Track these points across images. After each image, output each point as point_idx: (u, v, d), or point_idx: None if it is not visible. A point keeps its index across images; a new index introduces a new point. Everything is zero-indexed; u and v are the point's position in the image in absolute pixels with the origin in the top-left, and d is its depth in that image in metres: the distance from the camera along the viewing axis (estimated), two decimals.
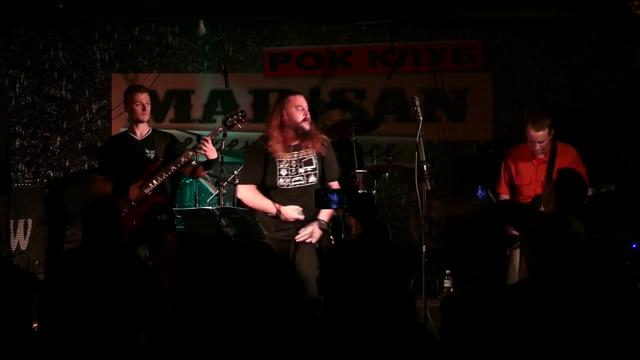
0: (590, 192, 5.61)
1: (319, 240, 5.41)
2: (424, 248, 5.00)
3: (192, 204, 7.46)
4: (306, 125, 5.32)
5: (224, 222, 5.67)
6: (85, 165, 7.98)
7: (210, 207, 5.82)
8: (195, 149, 5.79)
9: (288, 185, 5.34)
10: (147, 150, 5.91)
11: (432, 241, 7.38)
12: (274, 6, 7.53)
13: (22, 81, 7.99)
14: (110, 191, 5.81)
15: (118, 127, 7.66)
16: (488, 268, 6.83)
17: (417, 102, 5.21)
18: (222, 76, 7.74)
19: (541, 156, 5.88)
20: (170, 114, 8.07)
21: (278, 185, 5.34)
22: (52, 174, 7.95)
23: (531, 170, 5.92)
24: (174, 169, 5.78)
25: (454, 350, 2.58)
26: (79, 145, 8.03)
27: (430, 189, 5.02)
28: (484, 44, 7.93)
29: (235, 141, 7.94)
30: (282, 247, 5.28)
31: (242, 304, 2.68)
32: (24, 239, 7.00)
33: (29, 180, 7.33)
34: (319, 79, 7.99)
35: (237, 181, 6.38)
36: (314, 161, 5.38)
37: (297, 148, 5.36)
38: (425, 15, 7.64)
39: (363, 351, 2.59)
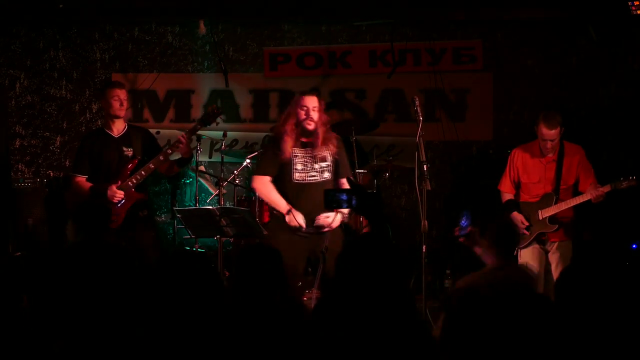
0: (608, 188, 5.62)
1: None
2: (424, 248, 5.00)
3: (192, 204, 7.47)
4: (307, 125, 5.33)
5: (224, 222, 5.68)
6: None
7: (210, 207, 5.83)
8: (173, 146, 5.78)
9: (304, 180, 5.37)
10: (124, 148, 5.86)
11: (432, 241, 7.38)
12: (274, 6, 7.54)
13: (22, 81, 7.99)
14: (88, 191, 5.77)
15: None
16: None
17: (417, 102, 5.22)
18: (222, 76, 7.74)
19: (550, 154, 5.87)
20: (171, 114, 8.07)
21: (294, 179, 5.36)
22: (52, 174, 7.95)
23: (540, 169, 5.92)
24: (152, 167, 5.75)
25: (455, 348, 2.58)
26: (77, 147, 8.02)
27: (430, 189, 5.02)
28: (484, 44, 7.93)
29: (235, 141, 7.94)
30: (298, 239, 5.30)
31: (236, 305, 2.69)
32: (24, 239, 7.00)
33: (29, 180, 7.32)
34: (319, 79, 7.99)
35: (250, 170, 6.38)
36: (329, 158, 5.41)
37: (311, 145, 5.39)
38: (425, 15, 7.65)
39: (363, 348, 2.59)
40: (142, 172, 5.74)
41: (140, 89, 7.95)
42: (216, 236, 5.91)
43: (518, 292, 3.22)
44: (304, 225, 5.31)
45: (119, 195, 5.67)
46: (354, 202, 4.00)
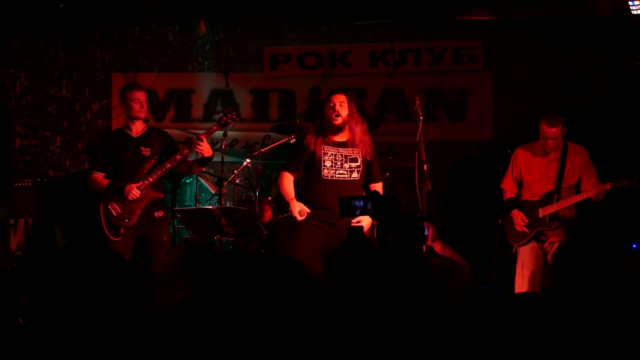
0: (608, 186, 5.62)
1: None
2: (424, 248, 5.00)
3: (192, 204, 7.47)
4: (335, 120, 5.41)
5: (224, 222, 5.69)
6: (85, 165, 7.98)
7: (211, 207, 5.84)
8: (191, 146, 5.83)
9: (332, 177, 5.38)
10: (142, 148, 5.92)
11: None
12: (274, 6, 7.53)
13: (22, 81, 7.99)
14: (106, 188, 5.82)
15: (118, 126, 7.65)
16: (493, 267, 6.83)
17: (417, 102, 5.22)
18: (223, 76, 7.74)
19: (552, 153, 5.88)
20: (171, 113, 8.07)
21: (322, 175, 5.39)
22: (52, 174, 7.95)
23: (542, 167, 5.92)
24: (169, 166, 5.81)
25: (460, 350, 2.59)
26: (79, 144, 8.03)
27: (430, 189, 5.02)
28: (484, 44, 7.93)
29: (235, 141, 7.94)
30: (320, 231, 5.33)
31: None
32: (24, 239, 7.00)
33: (29, 180, 7.32)
34: (319, 78, 7.99)
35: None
36: (359, 160, 5.44)
37: (343, 145, 5.43)
38: (425, 15, 7.64)
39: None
40: (159, 172, 5.81)
41: None
42: (216, 236, 5.92)
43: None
44: (301, 217, 5.32)
45: (135, 192, 5.74)
46: (369, 209, 3.94)
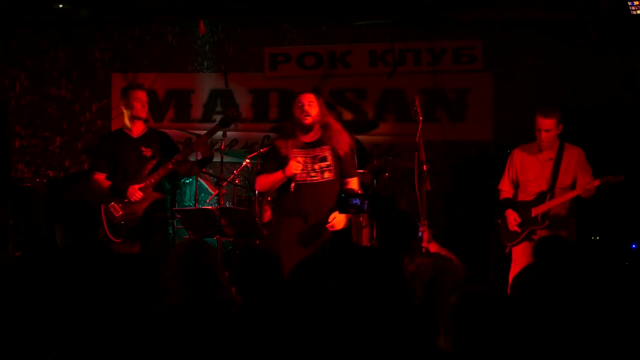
0: (597, 182, 5.58)
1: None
2: (424, 248, 5.00)
3: (192, 204, 7.47)
4: (304, 120, 5.31)
5: (223, 222, 5.68)
6: (85, 165, 7.98)
7: (210, 207, 5.84)
8: (192, 147, 5.81)
9: (304, 181, 5.33)
10: (143, 149, 5.90)
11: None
12: (274, 6, 7.53)
13: (22, 81, 7.99)
14: (108, 189, 5.81)
15: (118, 126, 7.64)
16: (491, 267, 6.83)
17: (417, 102, 5.21)
18: (222, 76, 7.75)
19: (547, 150, 5.84)
20: (170, 113, 8.07)
21: (294, 180, 5.34)
22: (52, 174, 7.95)
23: (537, 167, 5.91)
24: (170, 167, 5.79)
25: (458, 352, 2.58)
26: (79, 145, 8.03)
27: (430, 189, 5.02)
28: (484, 44, 7.93)
29: (235, 141, 7.94)
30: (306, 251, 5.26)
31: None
32: (24, 239, 7.01)
33: (29, 180, 7.33)
34: (319, 78, 7.99)
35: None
36: (329, 158, 5.35)
37: (311, 145, 5.35)
38: (425, 15, 7.64)
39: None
40: (160, 173, 5.80)
41: None
42: (216, 236, 5.91)
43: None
44: (298, 170, 5.27)
45: (138, 194, 5.73)
46: (365, 207, 3.93)
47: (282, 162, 5.32)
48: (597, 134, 7.63)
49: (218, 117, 7.97)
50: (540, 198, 5.81)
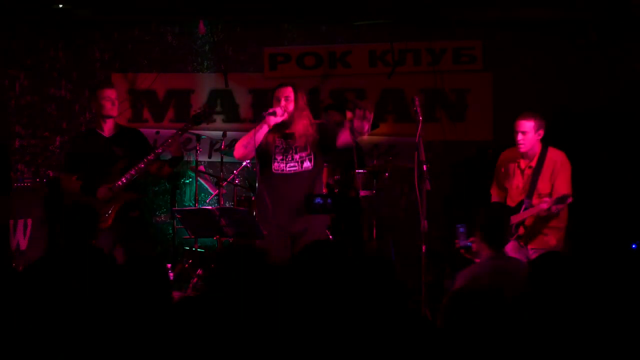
0: (545, 206, 5.44)
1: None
2: (423, 248, 5.00)
3: (192, 204, 7.47)
4: (282, 117, 5.29)
5: (223, 222, 5.68)
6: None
7: (210, 207, 5.83)
8: (163, 146, 5.76)
9: (283, 171, 5.33)
10: (115, 148, 5.83)
11: (432, 241, 7.38)
12: (274, 6, 7.53)
13: (22, 81, 7.99)
14: (79, 190, 5.76)
15: None
16: None
17: (417, 102, 5.21)
18: (222, 76, 7.75)
19: (528, 157, 5.76)
20: (170, 113, 8.08)
21: (273, 170, 5.33)
22: (52, 174, 7.95)
23: (517, 175, 5.83)
24: (142, 167, 5.71)
25: (456, 350, 2.58)
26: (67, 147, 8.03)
27: (430, 189, 5.01)
28: (484, 44, 7.93)
29: (235, 141, 7.92)
30: (285, 241, 5.27)
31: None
32: (24, 238, 7.00)
33: (28, 180, 7.32)
34: (319, 79, 7.99)
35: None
36: (308, 147, 5.35)
37: (291, 136, 5.35)
38: (425, 15, 7.64)
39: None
40: (132, 172, 5.72)
41: (140, 89, 7.96)
42: (216, 236, 5.91)
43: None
44: (279, 112, 5.24)
45: (107, 194, 5.67)
46: (330, 207, 3.93)
47: (263, 150, 5.31)
48: (597, 134, 7.64)
49: (218, 118, 8.01)
50: (518, 207, 5.71)
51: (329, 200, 3.93)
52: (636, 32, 7.55)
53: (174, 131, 5.97)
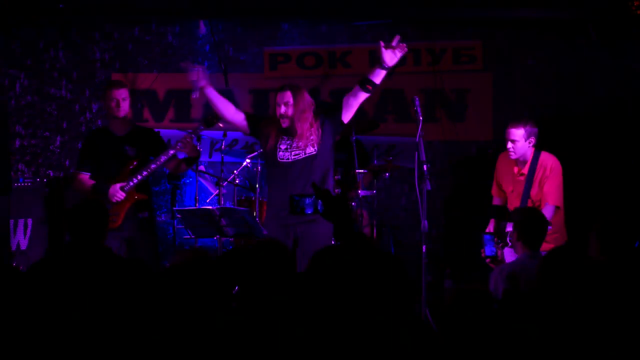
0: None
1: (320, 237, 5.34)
2: (423, 248, 5.00)
3: (192, 204, 7.47)
4: (282, 123, 5.30)
5: (223, 222, 5.68)
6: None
7: (210, 207, 5.83)
8: (176, 146, 5.73)
9: (288, 159, 5.32)
10: (127, 148, 5.81)
11: (432, 241, 7.39)
12: (274, 6, 7.53)
13: (22, 81, 8.00)
14: (90, 189, 5.76)
15: None
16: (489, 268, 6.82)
17: (417, 102, 5.21)
18: (222, 76, 7.74)
19: (520, 162, 5.75)
20: (171, 113, 8.08)
21: (278, 159, 5.32)
22: (52, 174, 7.95)
23: (511, 181, 5.84)
24: (153, 167, 5.69)
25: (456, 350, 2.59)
26: (79, 144, 8.02)
27: (430, 189, 5.01)
28: (484, 44, 7.93)
29: (235, 141, 7.94)
30: (287, 232, 5.27)
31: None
32: (24, 238, 7.00)
33: (29, 180, 7.32)
34: (319, 79, 8.00)
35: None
36: (315, 145, 5.33)
37: (294, 138, 5.34)
38: (425, 15, 7.65)
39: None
40: (144, 172, 5.70)
41: (140, 88, 7.95)
42: (216, 236, 5.91)
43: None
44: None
45: (119, 195, 5.65)
46: (319, 207, 3.89)
47: (274, 137, 5.35)
48: (597, 134, 7.64)
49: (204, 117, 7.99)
50: (513, 213, 5.67)
51: (318, 200, 3.89)
52: (636, 32, 7.55)
53: (184, 132, 5.95)
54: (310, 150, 5.31)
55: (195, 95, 5.48)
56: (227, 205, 7.01)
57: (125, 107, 5.80)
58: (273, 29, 8.04)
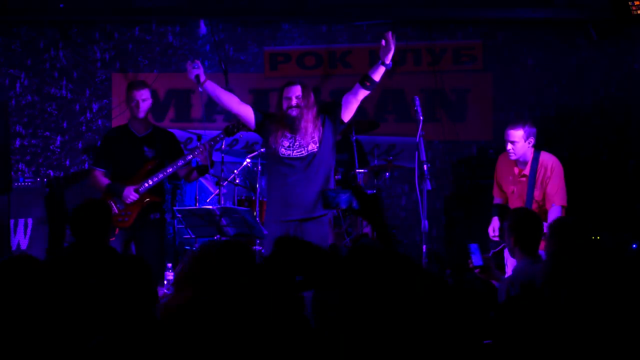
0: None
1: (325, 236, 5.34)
2: (424, 248, 5.00)
3: (192, 204, 7.47)
4: (291, 112, 5.33)
5: (224, 222, 5.68)
6: (86, 165, 7.99)
7: (211, 207, 5.83)
8: (194, 152, 5.74)
9: (290, 155, 5.34)
10: (146, 149, 5.86)
11: (432, 241, 7.39)
12: (274, 6, 7.54)
13: (22, 81, 7.99)
14: (105, 188, 5.77)
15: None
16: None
17: (417, 102, 5.21)
18: (222, 76, 7.74)
19: (520, 164, 5.75)
20: (171, 113, 8.08)
21: (281, 155, 5.34)
22: (52, 174, 7.96)
23: (512, 182, 5.83)
24: (170, 171, 5.73)
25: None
26: (79, 144, 8.03)
27: (430, 189, 5.02)
28: (484, 44, 7.93)
29: (235, 141, 7.95)
30: (287, 228, 5.28)
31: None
32: (24, 238, 7.01)
33: (29, 180, 7.33)
34: (319, 79, 8.00)
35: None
36: (316, 144, 5.35)
37: (297, 135, 5.35)
38: (425, 15, 7.65)
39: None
40: (160, 175, 5.73)
41: None
42: (216, 236, 5.91)
43: None
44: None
45: (133, 196, 5.68)
46: (354, 204, 3.84)
47: (277, 134, 5.37)
48: (597, 133, 7.64)
49: (219, 117, 8.01)
50: (509, 213, 5.65)
51: (353, 197, 3.82)
52: (636, 32, 7.56)
53: (184, 132, 5.96)
54: (312, 148, 5.33)
55: (201, 89, 5.50)
56: (227, 205, 7.01)
57: (145, 108, 5.83)
58: (273, 29, 8.04)
